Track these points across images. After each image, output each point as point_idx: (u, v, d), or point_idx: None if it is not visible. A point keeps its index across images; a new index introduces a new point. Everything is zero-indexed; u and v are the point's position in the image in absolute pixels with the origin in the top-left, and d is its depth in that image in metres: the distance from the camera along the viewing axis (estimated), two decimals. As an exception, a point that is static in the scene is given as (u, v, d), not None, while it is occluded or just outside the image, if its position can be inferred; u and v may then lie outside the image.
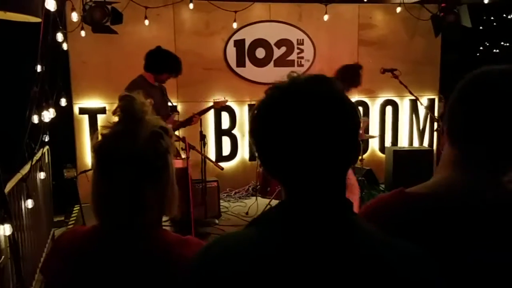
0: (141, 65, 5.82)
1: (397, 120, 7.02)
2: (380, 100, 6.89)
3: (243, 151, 6.50)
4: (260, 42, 6.36)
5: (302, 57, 6.53)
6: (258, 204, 5.66)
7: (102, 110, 5.75)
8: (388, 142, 6.97)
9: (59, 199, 5.04)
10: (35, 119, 3.60)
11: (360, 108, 6.86)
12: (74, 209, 5.41)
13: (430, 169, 5.91)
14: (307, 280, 0.86)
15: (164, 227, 1.29)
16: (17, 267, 2.83)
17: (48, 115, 3.75)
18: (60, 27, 4.34)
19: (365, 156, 6.34)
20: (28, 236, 3.46)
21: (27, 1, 2.78)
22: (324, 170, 0.91)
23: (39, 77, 3.74)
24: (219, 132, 6.34)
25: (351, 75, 4.26)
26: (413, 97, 5.05)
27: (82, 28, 5.13)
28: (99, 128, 1.22)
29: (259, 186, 6.01)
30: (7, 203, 2.71)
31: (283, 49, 6.45)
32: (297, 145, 0.89)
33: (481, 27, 7.00)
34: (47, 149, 4.53)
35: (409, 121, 7.04)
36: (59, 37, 4.33)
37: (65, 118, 5.21)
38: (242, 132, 6.39)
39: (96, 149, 1.20)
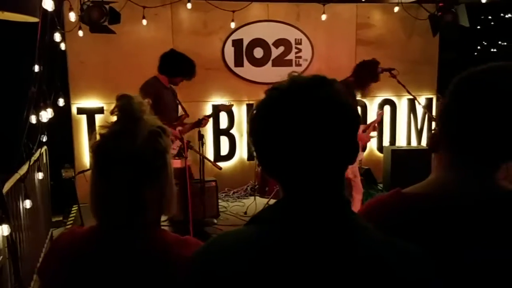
0: (139, 64, 5.84)
1: (395, 119, 7.03)
2: (378, 100, 6.89)
3: (242, 151, 6.50)
4: (258, 42, 6.36)
5: (300, 57, 6.53)
6: (257, 203, 5.66)
7: (100, 110, 5.74)
8: (386, 142, 6.98)
9: (57, 199, 5.03)
10: (33, 119, 3.59)
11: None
12: (72, 209, 5.40)
13: (428, 169, 5.85)
14: (306, 279, 0.86)
15: (162, 227, 1.29)
16: (15, 267, 2.83)
17: (46, 115, 3.74)
18: (58, 27, 4.33)
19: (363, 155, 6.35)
20: (26, 236, 3.46)
21: (24, 1, 2.77)
22: (321, 170, 0.91)
23: (37, 77, 3.73)
24: (218, 132, 6.33)
25: (369, 71, 4.27)
26: (411, 97, 5.06)
27: (80, 28, 5.13)
28: (97, 128, 1.22)
29: (257, 186, 6.02)
30: (5, 204, 2.71)
31: (281, 48, 6.45)
32: (295, 146, 0.89)
33: (478, 27, 7.01)
34: (45, 149, 4.52)
35: (407, 120, 7.05)
36: (57, 37, 4.32)
37: (63, 118, 5.21)
38: (241, 131, 6.39)
39: (95, 149, 1.20)
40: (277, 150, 0.91)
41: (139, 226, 1.18)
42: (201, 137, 4.78)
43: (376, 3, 6.61)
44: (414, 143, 7.07)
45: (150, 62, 5.89)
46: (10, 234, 2.68)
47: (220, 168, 4.76)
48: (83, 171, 4.50)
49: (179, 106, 4.78)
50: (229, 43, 6.27)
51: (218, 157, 6.29)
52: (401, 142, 7.09)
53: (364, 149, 4.62)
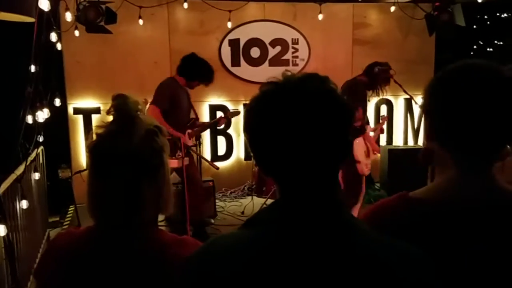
0: (135, 64, 5.85)
1: (392, 119, 7.04)
2: (374, 99, 6.89)
3: (239, 151, 6.50)
4: (254, 42, 6.36)
5: (297, 57, 6.54)
6: (254, 203, 5.66)
7: (97, 110, 5.73)
8: (383, 141, 6.99)
9: (54, 199, 5.03)
10: (29, 119, 3.58)
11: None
12: (69, 209, 5.39)
13: (425, 168, 5.92)
14: (303, 280, 0.86)
15: (160, 227, 1.29)
16: (12, 267, 2.83)
17: (43, 115, 3.74)
18: (54, 27, 4.32)
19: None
20: (23, 236, 3.45)
21: (20, 1, 2.77)
22: (315, 167, 0.91)
23: (33, 77, 3.72)
24: (215, 132, 6.33)
25: (383, 71, 4.27)
26: (407, 96, 5.06)
27: (76, 28, 5.11)
28: (93, 127, 1.22)
29: (254, 186, 6.02)
30: (1, 204, 2.71)
31: (278, 48, 6.45)
32: (289, 141, 0.89)
33: (474, 26, 7.02)
34: (42, 150, 4.51)
35: (403, 120, 7.06)
36: (53, 37, 4.31)
37: (60, 118, 5.20)
38: (238, 131, 6.39)
39: (91, 149, 1.19)
40: (270, 145, 0.92)
41: (136, 226, 1.18)
42: (198, 137, 4.79)
43: (373, 2, 6.62)
44: (411, 142, 7.08)
45: (147, 62, 5.93)
46: (7, 234, 2.67)
47: (217, 168, 4.76)
48: (80, 171, 4.50)
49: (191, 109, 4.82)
50: (225, 43, 6.27)
51: (215, 157, 6.29)
52: (398, 141, 7.10)
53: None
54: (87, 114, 5.74)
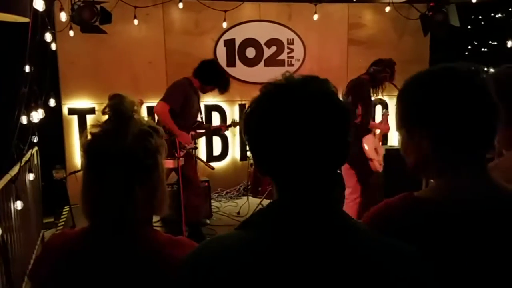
0: (130, 64, 5.83)
1: (387, 119, 7.03)
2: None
3: (234, 151, 6.50)
4: (250, 42, 6.36)
5: (292, 57, 6.54)
6: (250, 204, 5.66)
7: (91, 111, 5.71)
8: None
9: (49, 200, 5.00)
10: (24, 119, 3.57)
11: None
12: (64, 210, 5.37)
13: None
14: (299, 281, 0.86)
15: (155, 228, 1.29)
16: (6, 268, 2.82)
17: (37, 115, 3.72)
18: (49, 27, 4.31)
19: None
20: (18, 237, 3.44)
21: (15, 1, 2.76)
22: (315, 168, 0.92)
23: (28, 78, 3.71)
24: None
25: (393, 68, 4.27)
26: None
27: (71, 28, 5.09)
28: (88, 127, 1.22)
29: (250, 186, 6.02)
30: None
31: (273, 48, 6.46)
32: (290, 142, 0.90)
33: (469, 26, 7.04)
34: (36, 150, 4.49)
35: (398, 120, 7.06)
36: (48, 37, 4.30)
37: (54, 118, 5.18)
38: (233, 132, 6.39)
39: (85, 148, 1.19)
40: (272, 146, 0.92)
41: (131, 226, 1.18)
42: (193, 137, 4.79)
43: (368, 3, 6.63)
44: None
45: (142, 62, 5.92)
46: (1, 235, 2.66)
47: (213, 168, 4.76)
48: (75, 172, 4.49)
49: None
50: (221, 43, 6.26)
51: (210, 157, 6.28)
52: (393, 141, 7.11)
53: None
54: (81, 114, 5.72)
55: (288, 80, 0.95)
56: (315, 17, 6.19)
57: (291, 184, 0.94)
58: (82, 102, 5.74)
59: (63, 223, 5.10)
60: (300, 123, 0.89)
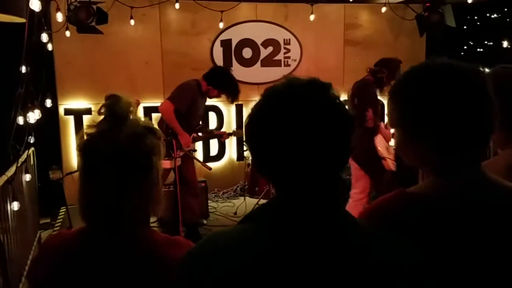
0: (127, 65, 5.82)
1: (383, 119, 7.06)
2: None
3: (231, 151, 6.50)
4: (246, 42, 6.36)
5: (288, 57, 6.54)
6: (246, 204, 5.66)
7: (88, 111, 5.70)
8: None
9: (45, 201, 4.99)
10: (20, 120, 3.56)
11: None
12: (60, 211, 5.36)
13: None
14: (298, 277, 0.87)
15: (152, 228, 1.29)
16: (3, 269, 2.81)
17: (33, 116, 3.71)
18: (45, 28, 4.30)
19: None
20: (14, 238, 3.43)
21: (11, 1, 2.75)
22: (316, 171, 0.92)
23: (24, 78, 3.70)
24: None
25: (393, 67, 4.26)
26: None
27: (67, 29, 5.09)
28: (84, 127, 1.22)
29: (247, 186, 6.02)
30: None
31: (270, 49, 6.45)
32: (290, 148, 0.90)
33: (465, 27, 7.08)
34: (33, 151, 4.48)
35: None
36: (44, 37, 4.29)
37: (51, 119, 5.17)
38: (230, 132, 6.38)
39: (81, 148, 1.20)
40: (272, 150, 0.92)
41: (127, 227, 1.18)
42: (194, 139, 4.79)
43: (364, 3, 6.64)
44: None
45: (138, 63, 5.91)
46: (-2, 236, 2.66)
47: (210, 169, 4.75)
48: (71, 173, 4.47)
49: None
50: (217, 43, 6.26)
51: (207, 157, 6.28)
52: (391, 141, 7.12)
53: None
54: (78, 114, 5.70)
55: (290, 84, 0.95)
56: (312, 17, 6.20)
57: (292, 186, 0.94)
58: (78, 102, 5.72)
59: (59, 223, 5.09)
60: (303, 130, 0.89)
